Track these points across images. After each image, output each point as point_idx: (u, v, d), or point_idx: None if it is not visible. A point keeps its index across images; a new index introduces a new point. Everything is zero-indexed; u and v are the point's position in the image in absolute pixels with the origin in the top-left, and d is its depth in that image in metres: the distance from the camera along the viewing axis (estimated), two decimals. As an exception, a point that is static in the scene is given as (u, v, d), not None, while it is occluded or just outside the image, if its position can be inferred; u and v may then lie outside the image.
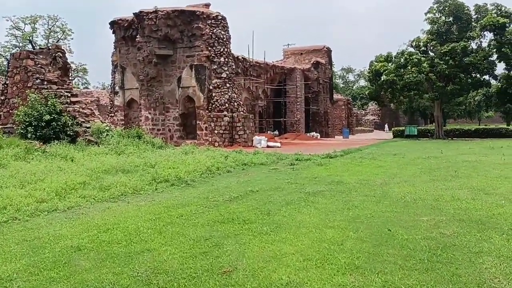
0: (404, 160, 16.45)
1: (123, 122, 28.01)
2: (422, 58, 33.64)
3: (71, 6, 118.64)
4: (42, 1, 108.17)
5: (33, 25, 56.82)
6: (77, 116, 20.04)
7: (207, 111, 25.48)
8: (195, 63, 25.73)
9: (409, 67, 33.68)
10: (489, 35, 34.06)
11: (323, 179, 11.14)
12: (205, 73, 25.56)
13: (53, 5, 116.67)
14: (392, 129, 49.42)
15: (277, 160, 16.25)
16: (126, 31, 27.56)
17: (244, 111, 26.27)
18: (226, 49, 25.86)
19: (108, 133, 19.87)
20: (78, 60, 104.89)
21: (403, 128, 48.63)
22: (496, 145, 24.67)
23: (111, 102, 29.30)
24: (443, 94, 34.01)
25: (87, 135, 19.34)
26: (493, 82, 35.25)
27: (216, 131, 25.00)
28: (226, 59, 25.78)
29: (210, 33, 25.37)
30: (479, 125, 73.86)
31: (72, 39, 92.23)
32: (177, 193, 9.26)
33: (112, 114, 28.76)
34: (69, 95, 20.79)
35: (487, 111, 78.14)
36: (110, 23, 28.22)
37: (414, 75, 32.49)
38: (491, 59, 34.40)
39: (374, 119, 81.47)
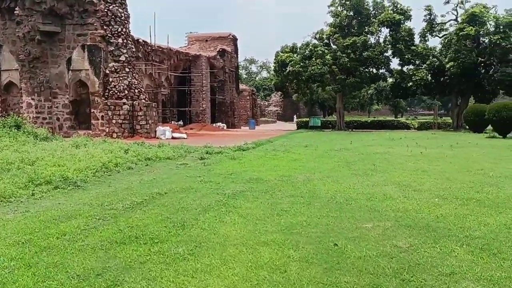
0: (317, 152, 15.96)
1: (0, 109, 23.86)
2: (326, 50, 34.23)
3: None
4: None
5: None
6: None
7: (103, 98, 22.72)
8: (88, 43, 22.70)
9: (314, 59, 34.05)
10: (385, 31, 35.86)
11: (240, 176, 9.91)
12: (100, 55, 22.70)
13: None
14: (296, 120, 50.33)
15: (185, 153, 14.66)
16: (2, 1, 23.36)
17: (146, 99, 23.99)
18: (124, 29, 23.25)
19: (-24, 122, 16.44)
20: None
21: (307, 119, 49.89)
22: (395, 136, 25.82)
23: (-17, 85, 24.79)
24: (345, 87, 35.07)
25: None
26: (388, 76, 37.22)
27: (114, 121, 22.41)
28: (125, 41, 23.19)
29: (106, 10, 22.54)
30: (368, 117, 79.33)
31: None
32: (62, 199, 7.31)
33: (-15, 100, 24.37)
34: None
35: (378, 104, 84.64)
36: (-20, -9, 23.69)
37: (319, 67, 32.91)
38: (386, 54, 36.30)
39: (276, 110, 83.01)
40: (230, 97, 40.35)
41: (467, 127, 34.65)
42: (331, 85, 35.63)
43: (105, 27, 22.73)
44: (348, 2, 33.96)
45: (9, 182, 8.14)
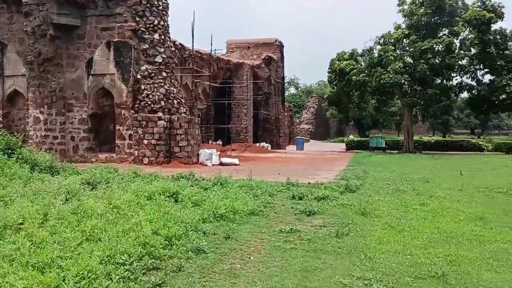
0: (475, 195, 9.85)
1: (1, 125, 18.65)
2: (396, 56, 28.22)
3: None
4: None
5: None
6: None
7: (132, 111, 17.25)
8: (115, 40, 17.39)
9: (380, 68, 28.02)
10: (463, 34, 29.59)
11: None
12: (131, 55, 17.32)
13: None
14: (345, 140, 44.11)
15: (269, 198, 8.82)
16: (8, -12, 18.41)
17: (187, 112, 18.38)
18: (162, 22, 17.84)
19: None
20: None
21: (362, 138, 44.10)
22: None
23: (-17, 95, 19.69)
24: (420, 100, 28.85)
25: None
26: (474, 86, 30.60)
27: (146, 141, 16.83)
28: (163, 37, 17.76)
29: (139, -3, 17.25)
30: (398, 136, 71.69)
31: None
32: None
33: (-15, 113, 19.22)
34: None
35: (423, 121, 77.44)
36: (-18, -24, 18.79)
37: (390, 76, 26.83)
38: (461, 62, 30.04)
39: (309, 128, 77.27)
40: (275, 113, 34.58)
41: None
42: (403, 97, 29.39)
43: (137, 19, 17.39)
44: (426, -2, 27.87)
45: None
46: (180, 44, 24.60)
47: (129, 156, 17.15)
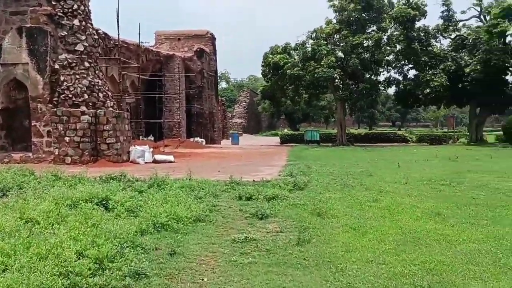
0: (421, 188, 9.72)
1: None
2: (329, 50, 28.46)
3: None
4: None
5: None
6: None
7: (50, 105, 15.35)
8: (27, 25, 15.33)
9: (314, 61, 28.10)
10: (390, 30, 30.67)
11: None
12: (47, 43, 15.37)
13: None
14: (279, 133, 44.19)
15: (214, 200, 7.95)
16: None
17: (115, 106, 16.79)
18: (83, 7, 16.06)
19: None
20: None
21: (292, 132, 44.36)
22: (440, 154, 20.28)
23: None
24: (353, 94, 29.41)
25: None
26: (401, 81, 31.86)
27: (67, 138, 15.06)
28: (84, 23, 16.00)
29: (55, -23, 15.34)
30: (326, 128, 74.19)
31: None
32: None
33: None
34: None
35: (351, 115, 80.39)
36: None
37: (324, 70, 26.96)
38: (388, 58, 31.19)
39: (242, 122, 77.02)
40: (209, 107, 33.48)
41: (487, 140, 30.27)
42: (337, 92, 29.79)
43: (53, 3, 15.52)
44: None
45: None
46: (104, 33, 22.66)
47: (48, 156, 15.27)
